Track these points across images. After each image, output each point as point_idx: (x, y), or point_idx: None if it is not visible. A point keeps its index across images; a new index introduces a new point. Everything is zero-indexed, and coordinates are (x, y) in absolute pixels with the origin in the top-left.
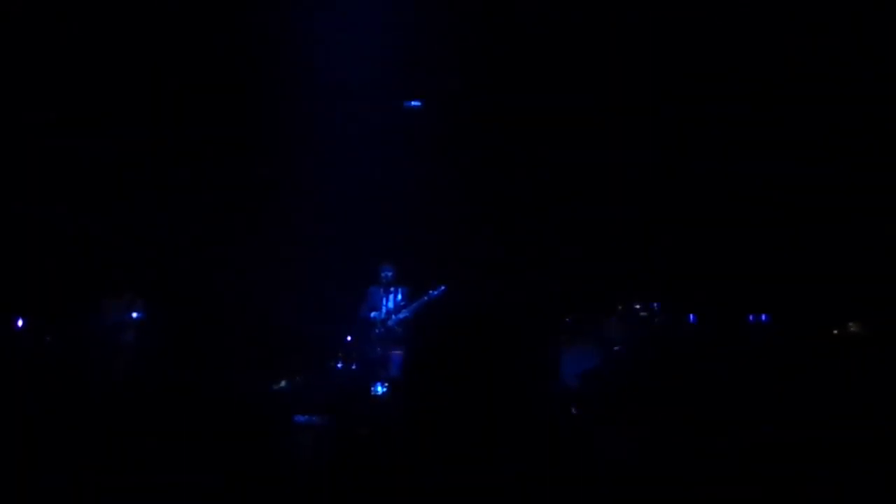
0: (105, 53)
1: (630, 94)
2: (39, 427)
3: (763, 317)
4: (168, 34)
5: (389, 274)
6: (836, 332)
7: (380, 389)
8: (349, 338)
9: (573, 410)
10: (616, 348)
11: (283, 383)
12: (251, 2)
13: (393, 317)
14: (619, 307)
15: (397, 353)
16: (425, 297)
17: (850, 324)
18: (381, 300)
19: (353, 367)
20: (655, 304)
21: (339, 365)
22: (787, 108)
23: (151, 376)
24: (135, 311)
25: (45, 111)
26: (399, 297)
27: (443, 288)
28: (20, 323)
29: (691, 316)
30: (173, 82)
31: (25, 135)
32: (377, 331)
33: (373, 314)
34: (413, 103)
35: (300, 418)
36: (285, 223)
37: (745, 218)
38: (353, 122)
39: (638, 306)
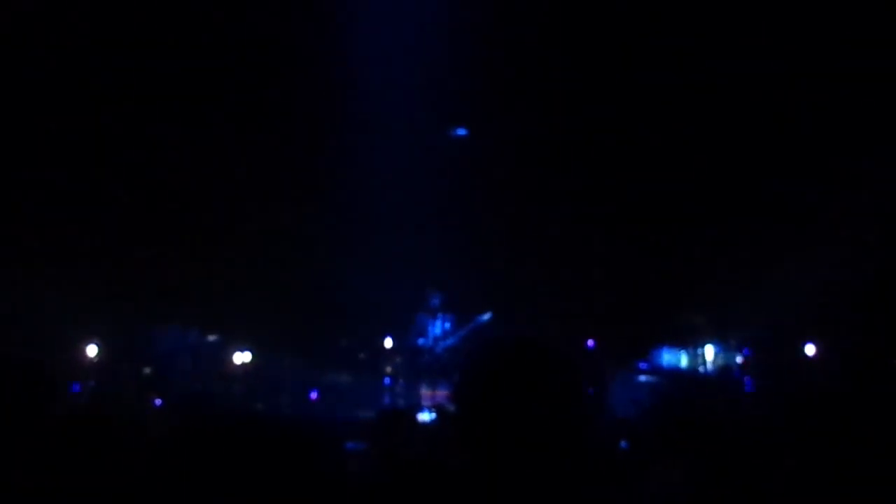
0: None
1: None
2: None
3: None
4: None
5: (437, 301)
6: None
7: (426, 416)
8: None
9: (623, 443)
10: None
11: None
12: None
13: (440, 343)
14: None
15: (444, 382)
16: (472, 324)
17: None
18: (429, 327)
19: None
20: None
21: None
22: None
23: (206, 402)
24: (188, 336)
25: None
26: (447, 324)
27: (489, 314)
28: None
29: (745, 350)
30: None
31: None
32: (425, 358)
33: (420, 341)
34: (460, 132)
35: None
36: (332, 247)
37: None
38: (401, 150)
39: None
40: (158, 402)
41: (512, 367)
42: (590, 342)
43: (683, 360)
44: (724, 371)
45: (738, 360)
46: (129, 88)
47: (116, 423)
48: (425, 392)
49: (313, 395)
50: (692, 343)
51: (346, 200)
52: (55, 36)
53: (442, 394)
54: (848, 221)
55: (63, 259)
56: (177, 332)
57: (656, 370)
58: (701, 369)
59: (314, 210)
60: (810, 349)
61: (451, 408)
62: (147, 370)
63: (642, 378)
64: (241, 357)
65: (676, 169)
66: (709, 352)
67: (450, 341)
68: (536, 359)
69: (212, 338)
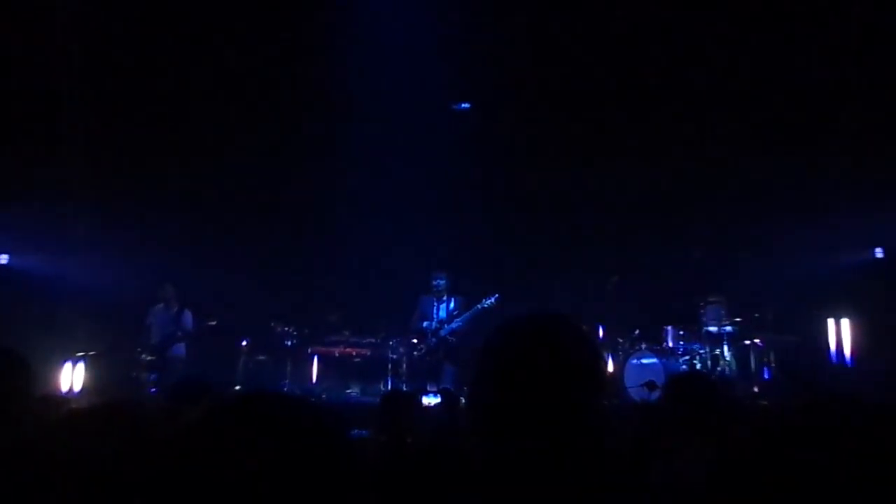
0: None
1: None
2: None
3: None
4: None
5: (442, 283)
6: None
7: (432, 401)
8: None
9: (636, 426)
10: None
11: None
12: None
13: (446, 326)
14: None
15: (449, 366)
16: (478, 307)
17: None
18: (433, 309)
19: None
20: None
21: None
22: None
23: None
24: (180, 316)
25: None
26: (452, 306)
27: (496, 296)
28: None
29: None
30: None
31: None
32: (430, 341)
33: (424, 324)
34: (462, 105)
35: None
36: (336, 232)
37: None
38: (404, 128)
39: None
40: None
41: (534, 345)
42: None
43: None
44: (739, 359)
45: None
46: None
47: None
48: (430, 375)
49: (314, 377)
50: (704, 326)
51: (351, 181)
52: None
53: (448, 377)
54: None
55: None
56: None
57: (667, 352)
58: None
59: (319, 187)
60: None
61: (459, 391)
62: (145, 356)
63: (652, 360)
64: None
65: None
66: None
67: (455, 324)
68: (559, 336)
69: (212, 322)
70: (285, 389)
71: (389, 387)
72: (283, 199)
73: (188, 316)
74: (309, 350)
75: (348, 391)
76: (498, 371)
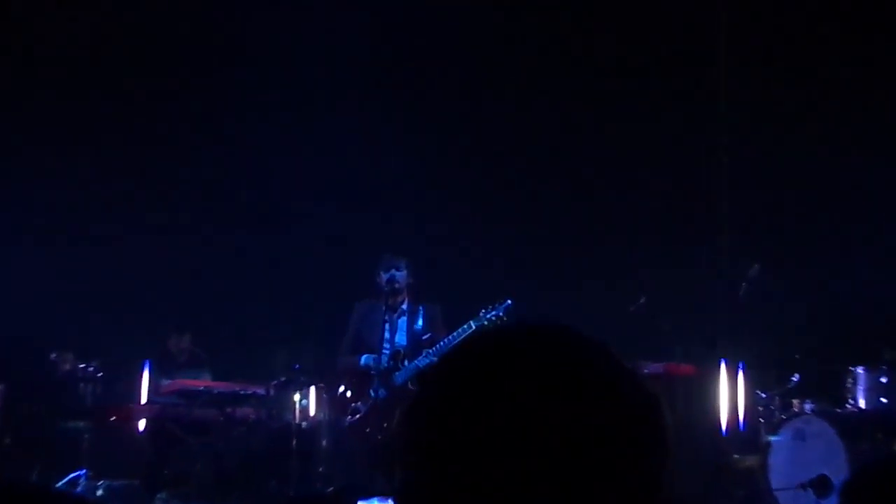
0: None
1: None
2: None
3: None
4: None
5: (399, 276)
6: None
7: None
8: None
9: None
10: None
11: None
12: None
13: (406, 364)
14: None
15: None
16: (472, 326)
17: None
18: (383, 329)
19: None
20: None
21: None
22: None
23: None
24: None
25: None
26: (419, 322)
27: (507, 304)
28: None
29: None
30: None
31: None
32: (375, 391)
33: (364, 358)
34: None
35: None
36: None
37: None
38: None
39: None
40: None
41: (535, 389)
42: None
43: None
44: None
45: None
46: None
47: None
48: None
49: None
50: None
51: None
52: None
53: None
54: None
55: None
56: None
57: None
58: None
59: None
60: None
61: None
62: None
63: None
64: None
65: None
66: None
67: (426, 359)
68: (586, 369)
69: None
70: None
71: (291, 491)
72: None
73: None
74: (133, 407)
75: None
76: (453, 447)
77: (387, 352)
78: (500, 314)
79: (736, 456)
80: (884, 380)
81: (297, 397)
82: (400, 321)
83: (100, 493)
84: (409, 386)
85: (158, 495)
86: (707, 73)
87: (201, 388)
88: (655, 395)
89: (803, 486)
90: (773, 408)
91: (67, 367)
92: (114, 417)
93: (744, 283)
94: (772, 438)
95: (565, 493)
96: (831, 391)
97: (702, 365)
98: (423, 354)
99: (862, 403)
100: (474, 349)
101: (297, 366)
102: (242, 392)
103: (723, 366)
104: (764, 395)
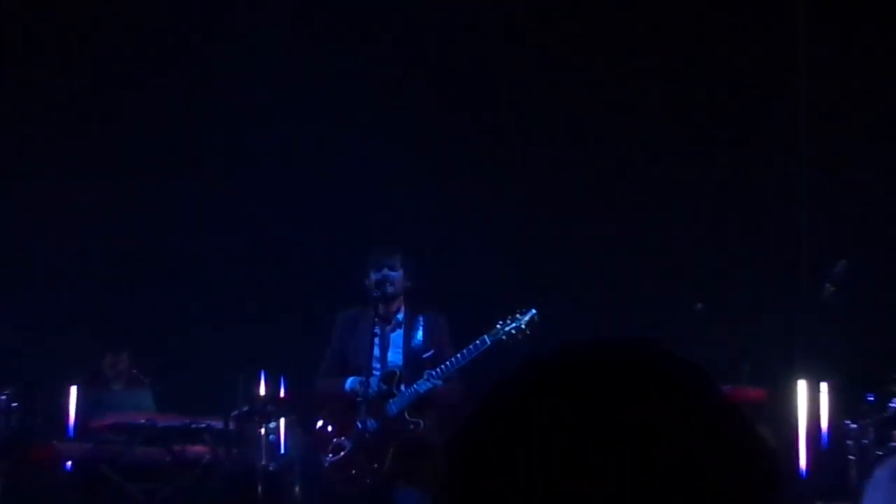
0: None
1: None
2: None
3: None
4: None
5: (394, 275)
6: None
7: None
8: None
9: None
10: None
11: None
12: None
13: (403, 389)
14: None
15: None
16: (490, 340)
17: None
18: (372, 344)
19: None
20: None
21: None
22: None
23: None
24: None
25: None
26: (419, 335)
27: (532, 312)
28: None
29: None
30: None
31: None
32: (363, 423)
33: (349, 382)
34: None
35: None
36: None
37: None
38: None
39: None
40: None
41: (620, 430)
42: None
43: None
44: None
45: None
46: None
47: None
48: None
49: None
50: None
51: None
52: None
53: None
54: None
55: None
56: None
57: None
58: None
59: None
60: None
61: None
62: None
63: None
64: None
65: None
66: None
67: (426, 384)
68: (681, 400)
69: None
70: None
71: None
72: None
73: None
74: (56, 445)
75: None
76: None
77: (377, 373)
78: (523, 326)
79: None
80: None
81: (262, 432)
82: (394, 335)
83: None
84: (406, 417)
85: None
86: (785, 74)
87: (142, 420)
88: (765, 439)
89: None
90: (866, 441)
91: None
92: (32, 458)
93: (827, 284)
94: (865, 481)
95: None
96: None
97: (774, 387)
98: (425, 377)
99: None
100: (541, 381)
101: (263, 392)
102: (194, 426)
103: (801, 388)
104: (854, 426)
